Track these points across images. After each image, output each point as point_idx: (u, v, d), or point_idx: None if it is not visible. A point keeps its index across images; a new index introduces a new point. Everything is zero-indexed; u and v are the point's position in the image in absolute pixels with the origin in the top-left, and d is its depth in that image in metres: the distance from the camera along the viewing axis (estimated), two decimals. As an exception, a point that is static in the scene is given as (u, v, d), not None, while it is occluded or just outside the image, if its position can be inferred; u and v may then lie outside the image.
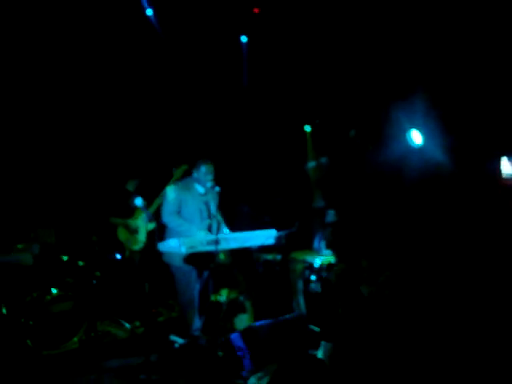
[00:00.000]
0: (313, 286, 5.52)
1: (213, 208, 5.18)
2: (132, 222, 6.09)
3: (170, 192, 5.10)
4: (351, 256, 5.42)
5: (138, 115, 7.11)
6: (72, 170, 6.75)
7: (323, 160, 7.78)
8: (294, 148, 7.90)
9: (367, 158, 6.79)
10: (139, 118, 7.14)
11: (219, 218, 5.13)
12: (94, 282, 5.51)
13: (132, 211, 6.11)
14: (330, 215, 6.10)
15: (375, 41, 6.22)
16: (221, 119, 7.61)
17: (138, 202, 4.57)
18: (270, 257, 6.05)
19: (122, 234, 6.10)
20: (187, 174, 5.44)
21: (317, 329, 5.02)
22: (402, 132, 6.22)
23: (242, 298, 5.80)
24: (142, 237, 6.08)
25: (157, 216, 5.00)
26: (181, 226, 5.02)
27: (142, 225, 6.08)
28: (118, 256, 6.10)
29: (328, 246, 5.88)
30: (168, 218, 5.04)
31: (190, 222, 5.09)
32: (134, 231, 6.07)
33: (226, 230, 5.16)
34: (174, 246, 4.73)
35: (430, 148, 6.05)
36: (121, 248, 6.09)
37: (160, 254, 4.99)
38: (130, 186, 6.27)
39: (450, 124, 5.88)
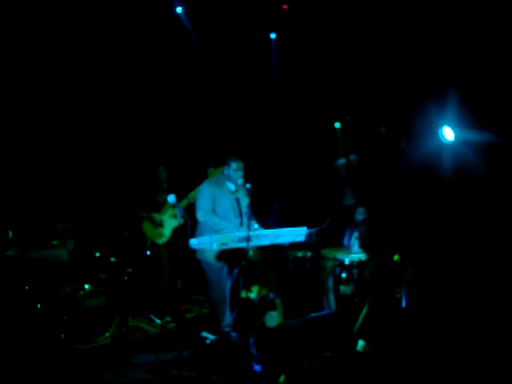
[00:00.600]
0: (343, 288, 5.47)
1: (244, 205, 5.17)
2: (157, 216, 6.10)
3: (206, 189, 5.10)
4: (385, 253, 5.31)
5: (170, 109, 7.17)
6: (102, 161, 6.78)
7: (353, 157, 7.72)
8: (324, 145, 7.87)
9: (398, 155, 6.74)
10: (170, 111, 7.19)
11: (250, 215, 5.05)
12: (126, 278, 5.52)
13: (159, 205, 6.12)
14: (360, 213, 6.05)
15: (407, 36, 6.19)
16: (251, 116, 7.62)
17: (171, 198, 4.59)
18: (300, 254, 6.04)
19: (146, 227, 6.13)
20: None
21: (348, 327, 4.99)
22: (433, 128, 6.15)
23: (272, 295, 5.60)
24: (166, 231, 6.09)
25: (188, 212, 4.94)
26: (219, 225, 5.01)
27: (168, 219, 6.09)
28: (148, 252, 6.14)
29: (361, 244, 5.81)
30: (205, 216, 5.04)
31: (224, 219, 5.09)
32: (158, 225, 6.08)
33: (256, 227, 5.17)
34: (205, 243, 4.77)
35: (462, 145, 6.00)
36: (144, 241, 6.14)
37: (191, 251, 4.98)
38: (162, 175, 6.21)
39: (482, 121, 5.84)
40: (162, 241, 6.12)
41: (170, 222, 6.11)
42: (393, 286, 4.81)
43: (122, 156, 6.93)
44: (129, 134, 6.98)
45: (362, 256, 5.56)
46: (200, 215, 5.06)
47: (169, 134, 7.30)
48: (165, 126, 7.27)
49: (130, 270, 5.60)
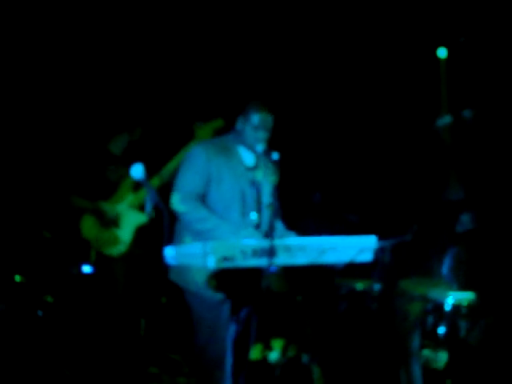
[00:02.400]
0: (435, 355, 5.55)
1: (266, 192, 5.13)
2: (109, 208, 6.25)
3: (198, 156, 5.00)
4: (504, 299, 5.58)
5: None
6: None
7: (467, 114, 7.99)
8: (413, 89, 8.18)
9: None
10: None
11: (277, 209, 5.01)
12: (40, 313, 5.73)
13: (111, 188, 6.34)
14: (465, 220, 6.22)
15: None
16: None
17: (136, 172, 4.55)
18: (361, 285, 6.17)
19: (88, 227, 6.27)
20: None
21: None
22: None
23: (306, 358, 5.83)
24: (125, 234, 6.25)
25: (164, 199, 4.91)
26: (204, 222, 4.89)
27: (127, 212, 6.28)
28: (88, 269, 6.25)
29: (455, 277, 6.01)
30: (185, 204, 4.92)
31: (224, 214, 5.05)
32: (111, 223, 6.24)
33: (282, 232, 5.16)
34: (194, 255, 4.57)
35: None
36: (86, 251, 6.26)
37: (167, 268, 4.94)
38: (115, 147, 6.47)
39: None
40: (116, 250, 6.21)
41: (130, 217, 6.25)
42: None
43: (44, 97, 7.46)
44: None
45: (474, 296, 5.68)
46: (177, 201, 4.99)
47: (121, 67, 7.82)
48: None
49: (50, 298, 5.80)
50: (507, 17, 7.44)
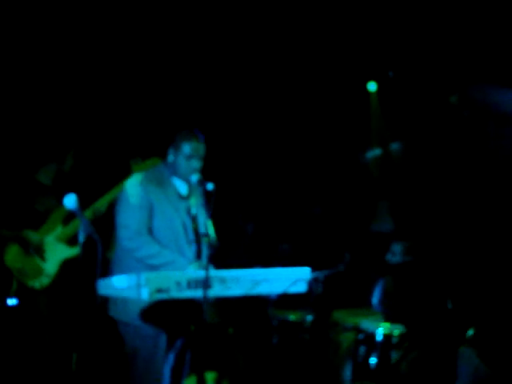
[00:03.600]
0: None
1: (201, 220, 5.17)
2: (34, 236, 6.07)
3: (136, 190, 5.01)
4: (431, 334, 5.64)
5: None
6: None
7: (395, 146, 8.09)
8: (344, 121, 8.28)
9: (481, 143, 7.12)
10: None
11: (213, 240, 4.99)
12: None
13: (40, 220, 6.17)
14: (397, 251, 6.26)
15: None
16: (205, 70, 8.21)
17: (69, 201, 4.47)
18: (293, 317, 6.16)
19: (12, 256, 6.07)
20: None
21: None
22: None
23: None
24: (50, 266, 6.10)
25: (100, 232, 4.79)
26: (157, 257, 4.93)
27: (54, 244, 6.14)
28: (12, 301, 6.08)
29: (384, 311, 6.05)
30: (135, 240, 4.95)
31: (173, 244, 5.05)
32: (35, 252, 6.08)
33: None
34: (128, 287, 4.54)
35: None
36: (8, 282, 6.11)
37: (100, 302, 4.80)
38: (44, 177, 6.32)
39: None
40: (38, 283, 6.05)
41: (57, 250, 6.12)
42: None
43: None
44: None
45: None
46: (126, 238, 4.97)
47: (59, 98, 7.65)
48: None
49: None
50: (434, 51, 7.58)
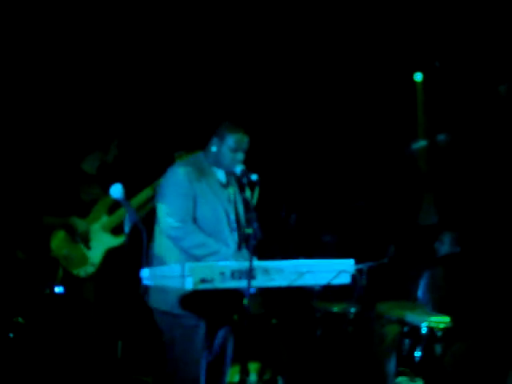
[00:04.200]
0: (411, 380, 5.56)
1: (240, 208, 5.14)
2: (81, 223, 6.14)
3: (180, 179, 4.95)
4: (478, 325, 5.59)
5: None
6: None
7: (442, 137, 7.98)
8: (388, 114, 8.23)
9: None
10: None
11: (256, 229, 4.86)
12: (11, 335, 5.68)
13: (86, 210, 6.23)
14: (445, 242, 6.26)
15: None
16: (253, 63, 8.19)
17: (116, 190, 4.48)
18: (336, 308, 6.21)
19: (58, 243, 6.17)
20: None
21: None
22: None
23: (282, 381, 5.83)
24: (95, 255, 6.18)
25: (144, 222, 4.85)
26: (203, 248, 4.90)
27: (100, 233, 6.22)
28: (60, 289, 6.14)
29: (433, 303, 6.02)
30: (181, 229, 4.91)
31: (216, 233, 5.01)
32: (82, 238, 6.16)
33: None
34: (171, 277, 4.52)
35: None
36: (53, 268, 6.19)
37: (144, 291, 4.86)
38: (88, 166, 6.39)
39: None
40: (86, 271, 6.13)
41: (102, 239, 6.19)
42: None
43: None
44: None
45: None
46: (171, 227, 4.91)
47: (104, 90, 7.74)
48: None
49: (21, 319, 5.71)
50: (481, 41, 7.53)
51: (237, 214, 5.15)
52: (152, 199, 5.96)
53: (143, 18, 7.79)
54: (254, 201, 5.06)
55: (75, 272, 6.08)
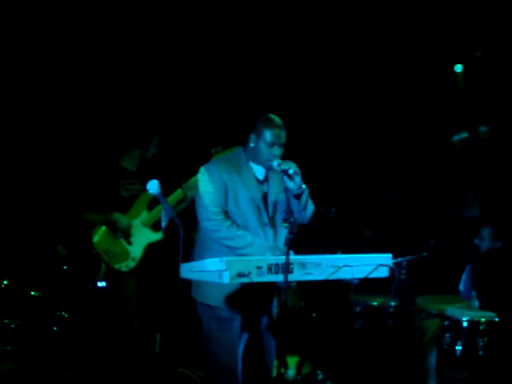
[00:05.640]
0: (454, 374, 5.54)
1: (280, 206, 5.09)
2: (123, 218, 6.17)
3: (213, 175, 5.02)
4: None
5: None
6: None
7: (483, 129, 7.90)
8: (428, 105, 8.18)
9: None
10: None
11: (293, 224, 4.82)
12: (56, 328, 5.72)
13: (126, 205, 6.25)
14: (485, 235, 6.20)
15: None
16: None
17: (153, 186, 4.55)
18: (376, 302, 6.21)
19: (100, 237, 6.20)
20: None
21: None
22: None
23: (321, 375, 5.78)
24: (136, 250, 6.18)
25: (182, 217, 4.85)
26: (237, 239, 4.94)
27: (140, 228, 6.21)
28: (102, 284, 6.29)
29: (478, 295, 5.97)
30: (215, 221, 4.97)
31: (244, 227, 5.03)
32: (124, 234, 6.19)
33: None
34: (209, 271, 4.57)
35: None
36: (95, 263, 6.29)
37: (182, 284, 4.78)
38: (128, 162, 6.40)
39: None
40: (125, 266, 6.14)
41: (142, 234, 6.20)
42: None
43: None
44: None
45: (493, 314, 5.71)
46: (205, 218, 4.99)
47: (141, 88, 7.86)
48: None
49: (65, 314, 5.74)
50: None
51: (274, 211, 5.13)
52: (183, 200, 6.02)
53: (179, 24, 7.87)
54: (299, 188, 4.91)
55: (117, 266, 6.10)
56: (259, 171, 5.13)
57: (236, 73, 8.18)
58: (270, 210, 5.13)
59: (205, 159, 5.57)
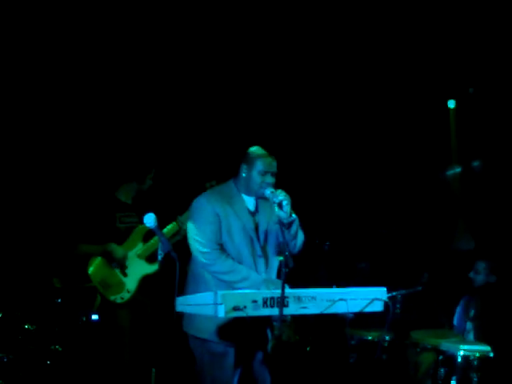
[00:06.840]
0: None
1: (273, 237, 5.08)
2: (118, 249, 6.14)
3: (204, 208, 5.01)
4: None
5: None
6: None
7: (476, 164, 7.88)
8: (422, 140, 8.21)
9: None
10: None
11: (288, 257, 4.69)
12: (49, 362, 5.67)
13: (121, 238, 6.23)
14: (480, 269, 6.14)
15: None
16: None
17: (149, 219, 4.54)
18: (370, 336, 6.17)
19: (95, 268, 6.16)
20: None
21: None
22: None
23: None
24: (131, 282, 6.16)
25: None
26: (232, 274, 4.91)
27: (135, 260, 6.18)
28: (95, 317, 6.26)
29: (474, 328, 5.97)
30: (209, 255, 4.93)
31: (238, 260, 5.01)
32: (119, 265, 6.17)
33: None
34: (204, 305, 4.54)
35: None
36: (90, 295, 6.21)
37: (175, 318, 4.80)
38: (124, 195, 6.39)
39: None
40: (122, 297, 6.11)
41: (137, 267, 6.16)
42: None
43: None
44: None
45: (487, 349, 5.65)
46: (199, 252, 4.95)
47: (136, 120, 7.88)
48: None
49: (59, 347, 5.73)
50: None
51: (265, 242, 5.10)
52: (177, 233, 6.00)
53: (175, 52, 7.86)
54: (289, 217, 4.93)
55: (112, 298, 6.05)
56: (250, 202, 5.13)
57: (228, 106, 8.17)
58: (262, 239, 5.09)
59: (199, 193, 5.62)
